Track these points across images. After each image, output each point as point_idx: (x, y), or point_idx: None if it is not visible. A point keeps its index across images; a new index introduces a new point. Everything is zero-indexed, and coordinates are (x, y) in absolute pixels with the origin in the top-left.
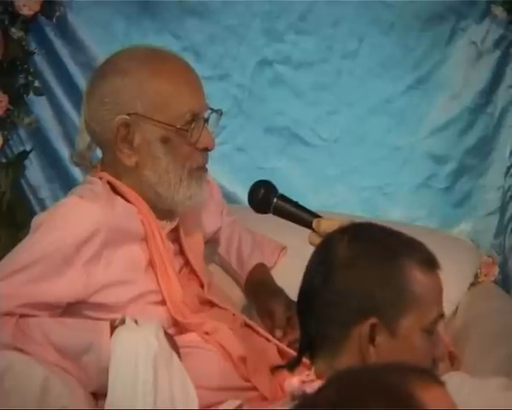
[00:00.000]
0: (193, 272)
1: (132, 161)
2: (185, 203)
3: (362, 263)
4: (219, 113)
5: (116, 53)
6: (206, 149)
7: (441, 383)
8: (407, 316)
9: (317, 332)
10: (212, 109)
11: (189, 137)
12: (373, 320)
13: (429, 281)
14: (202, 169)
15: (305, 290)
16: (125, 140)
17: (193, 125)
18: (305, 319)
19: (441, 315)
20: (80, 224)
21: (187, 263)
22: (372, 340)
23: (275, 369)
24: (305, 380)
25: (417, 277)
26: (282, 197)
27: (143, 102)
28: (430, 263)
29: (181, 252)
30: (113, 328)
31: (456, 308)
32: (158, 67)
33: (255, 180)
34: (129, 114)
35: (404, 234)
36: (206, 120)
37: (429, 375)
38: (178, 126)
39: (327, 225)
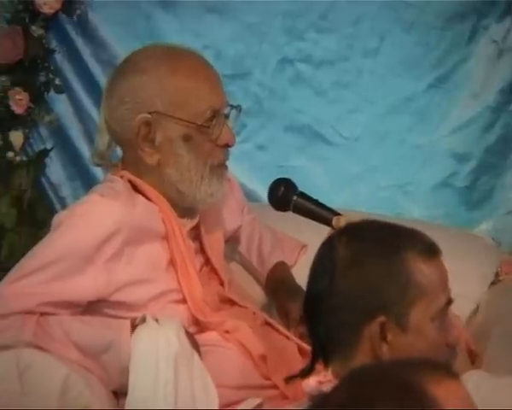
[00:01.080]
0: (213, 270)
1: (154, 160)
2: (206, 201)
3: (363, 262)
4: (238, 109)
5: (134, 51)
6: (227, 146)
7: (454, 377)
8: (415, 308)
9: (327, 338)
10: (231, 106)
11: (210, 134)
12: (381, 318)
13: (433, 269)
14: (223, 166)
15: (310, 297)
16: (147, 139)
17: (214, 122)
18: (313, 326)
19: (449, 300)
20: (101, 222)
21: (207, 261)
22: (384, 338)
23: (288, 379)
24: (322, 380)
25: (421, 267)
26: (302, 195)
27: (163, 99)
28: (431, 251)
29: (201, 250)
30: (133, 327)
31: (477, 307)
32: (177, 65)
33: (275, 178)
34: (150, 113)
35: (402, 226)
36: (227, 117)
37: (442, 369)
38: (199, 123)
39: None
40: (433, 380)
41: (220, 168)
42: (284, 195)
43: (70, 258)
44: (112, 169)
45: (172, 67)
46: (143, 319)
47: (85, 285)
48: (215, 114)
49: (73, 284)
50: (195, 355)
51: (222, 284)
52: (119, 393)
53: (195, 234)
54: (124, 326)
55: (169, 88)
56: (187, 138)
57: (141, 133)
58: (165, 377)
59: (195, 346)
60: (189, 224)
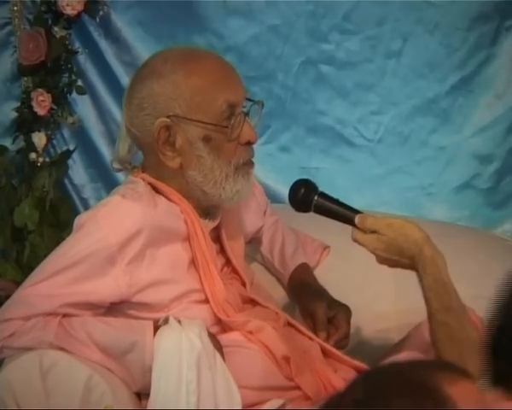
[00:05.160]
0: (234, 271)
1: (176, 163)
2: (233, 199)
3: None
4: (260, 104)
5: (151, 56)
6: (249, 143)
7: (469, 377)
8: None
9: None
10: (252, 101)
11: (229, 134)
12: None
13: None
14: (249, 163)
15: (507, 327)
16: (167, 142)
17: (232, 121)
18: (503, 356)
19: None
20: (123, 223)
21: (228, 262)
22: None
23: None
24: None
25: None
26: (323, 195)
27: (181, 102)
28: None
29: (222, 251)
30: (156, 328)
31: None
32: (192, 67)
33: (295, 180)
34: (168, 117)
35: None
36: (247, 114)
37: (457, 369)
38: (217, 123)
39: (372, 222)
40: (448, 380)
41: (246, 166)
42: (305, 196)
43: (92, 259)
44: (132, 172)
45: (188, 70)
46: (166, 320)
47: (107, 287)
48: (233, 110)
49: (96, 286)
50: (218, 356)
51: (243, 284)
52: (142, 394)
53: (216, 235)
54: (147, 327)
55: (185, 91)
56: (207, 140)
57: (161, 138)
58: (187, 378)
59: (218, 347)
60: (211, 225)
